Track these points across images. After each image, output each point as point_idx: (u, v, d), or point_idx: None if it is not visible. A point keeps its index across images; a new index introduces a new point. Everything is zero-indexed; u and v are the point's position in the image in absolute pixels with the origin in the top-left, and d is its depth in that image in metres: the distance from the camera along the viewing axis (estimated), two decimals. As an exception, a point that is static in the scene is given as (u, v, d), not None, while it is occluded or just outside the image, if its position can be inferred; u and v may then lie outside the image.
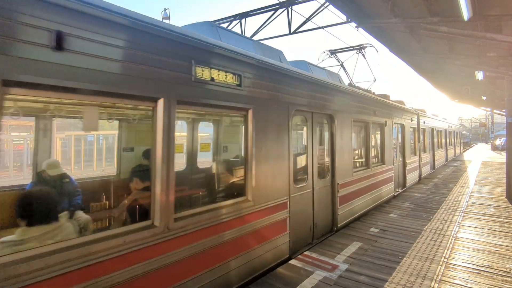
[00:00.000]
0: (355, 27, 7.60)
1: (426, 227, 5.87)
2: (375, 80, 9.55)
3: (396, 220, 6.39)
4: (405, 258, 4.39)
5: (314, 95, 5.04)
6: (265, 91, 3.93)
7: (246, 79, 3.58)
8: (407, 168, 10.26)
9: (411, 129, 11.22)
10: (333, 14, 8.31)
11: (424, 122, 13.01)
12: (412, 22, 6.74)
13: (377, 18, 7.06)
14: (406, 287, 3.58)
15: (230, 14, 10.30)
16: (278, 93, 4.18)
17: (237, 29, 9.86)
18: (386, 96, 9.52)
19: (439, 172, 14.36)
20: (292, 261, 4.23)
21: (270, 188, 3.97)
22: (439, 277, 3.83)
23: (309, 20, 8.77)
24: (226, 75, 3.29)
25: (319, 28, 8.94)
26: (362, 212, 6.71)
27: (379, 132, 8.32)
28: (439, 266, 4.13)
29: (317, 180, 5.17)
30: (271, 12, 9.25)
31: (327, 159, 5.62)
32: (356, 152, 7.33)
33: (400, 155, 9.90)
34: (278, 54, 5.15)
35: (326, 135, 5.74)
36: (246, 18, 9.90)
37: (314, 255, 4.48)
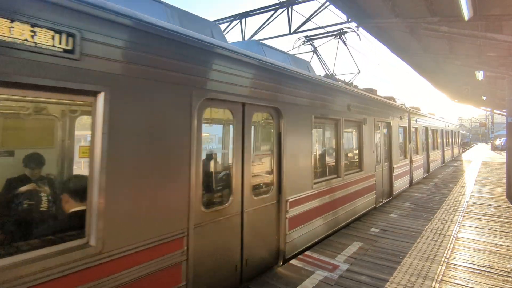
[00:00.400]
0: (356, 27, 7.61)
1: (426, 227, 5.87)
2: (359, 72, 8.52)
3: (396, 220, 6.39)
4: (405, 258, 4.38)
5: (246, 79, 3.64)
6: (140, 66, 2.51)
7: (90, 44, 2.18)
8: (394, 173, 8.81)
9: (401, 129, 9.94)
10: (333, 14, 8.31)
11: (416, 121, 11.71)
12: (412, 22, 6.75)
13: (377, 18, 7.07)
14: (407, 287, 3.57)
15: (230, 14, 10.31)
16: (169, 70, 2.76)
17: (237, 29, 9.87)
18: (372, 91, 8.35)
19: (435, 175, 13.51)
20: (293, 261, 4.23)
21: (147, 219, 2.54)
22: (440, 277, 3.82)
23: (310, 20, 8.77)
24: (33, 32, 1.89)
25: (319, 28, 8.94)
26: (329, 232, 5.40)
27: (356, 132, 7.03)
28: (440, 266, 4.13)
29: (250, 198, 3.75)
30: (271, 12, 9.25)
31: (270, 169, 4.21)
32: (320, 157, 6.14)
33: (386, 159, 8.56)
34: (210, 27, 4.00)
35: (270, 135, 4.39)
36: (246, 18, 9.90)
37: (315, 255, 4.47)
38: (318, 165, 5.69)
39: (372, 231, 5.63)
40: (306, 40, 7.61)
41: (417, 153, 11.82)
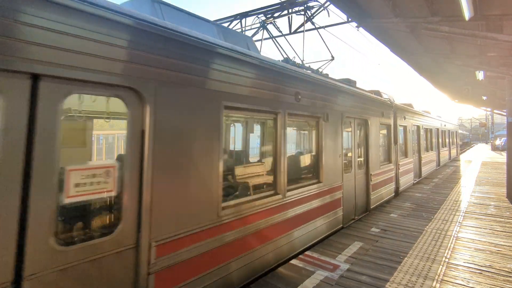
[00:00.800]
0: (356, 27, 7.60)
1: (427, 227, 5.86)
2: (333, 58, 7.46)
3: (397, 220, 6.38)
4: (406, 258, 4.38)
5: (40, 32, 1.99)
6: None
7: None
8: (372, 182, 7.25)
9: (384, 127, 8.45)
10: (334, 14, 8.31)
11: (405, 118, 10.22)
12: (413, 22, 6.73)
13: (378, 18, 7.05)
14: (407, 287, 3.57)
15: (230, 14, 10.30)
16: None
17: (237, 29, 9.86)
18: (349, 82, 7.11)
19: (434, 176, 12.80)
20: (293, 261, 4.22)
21: None
22: (441, 277, 3.82)
23: (310, 19, 8.76)
24: None
25: (320, 28, 8.94)
26: (250, 279, 3.68)
27: (313, 132, 5.49)
28: (441, 266, 4.12)
29: (47, 249, 2.02)
30: (271, 12, 9.23)
31: (116, 191, 2.47)
32: (244, 167, 4.81)
33: (361, 164, 7.08)
34: None
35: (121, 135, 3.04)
36: (246, 18, 9.89)
37: (315, 255, 4.47)
38: (237, 179, 4.29)
39: (372, 231, 5.63)
40: (265, 18, 6.15)
41: (405, 155, 10.34)
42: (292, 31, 9.17)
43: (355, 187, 6.59)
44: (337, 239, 5.18)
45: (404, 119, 10.20)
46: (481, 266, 4.16)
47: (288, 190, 4.39)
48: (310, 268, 4.04)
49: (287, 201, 4.35)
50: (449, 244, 4.94)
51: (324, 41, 7.69)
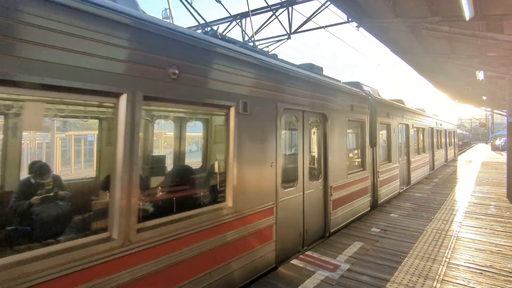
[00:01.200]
0: (356, 27, 7.60)
1: (427, 227, 5.86)
2: (289, 37, 6.65)
3: (397, 220, 6.38)
4: (406, 258, 4.38)
5: None
6: None
7: None
8: (334, 197, 5.53)
9: (356, 125, 6.88)
10: (334, 14, 8.32)
11: (388, 115, 8.53)
12: (413, 22, 6.73)
13: (378, 18, 7.06)
14: (408, 287, 3.57)
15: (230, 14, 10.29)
16: None
17: (237, 29, 9.84)
18: (312, 67, 5.72)
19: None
20: (294, 261, 4.22)
21: None
22: (441, 277, 3.82)
23: (310, 19, 8.77)
24: None
25: (320, 28, 8.94)
26: None
27: (221, 130, 3.91)
28: (441, 266, 4.12)
29: None
30: (271, 12, 9.23)
31: None
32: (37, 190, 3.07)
33: (317, 174, 5.36)
34: None
35: None
36: (246, 19, 9.88)
37: (316, 255, 4.47)
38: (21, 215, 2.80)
39: (373, 231, 5.63)
40: None
41: (388, 159, 8.68)
42: (292, 31, 9.15)
43: (304, 206, 4.84)
44: (337, 239, 5.18)
45: (388, 116, 8.51)
46: (481, 266, 4.16)
47: (142, 230, 2.48)
48: (311, 268, 4.03)
49: (137, 249, 2.42)
50: (449, 244, 4.94)
51: (279, 20, 6.87)
